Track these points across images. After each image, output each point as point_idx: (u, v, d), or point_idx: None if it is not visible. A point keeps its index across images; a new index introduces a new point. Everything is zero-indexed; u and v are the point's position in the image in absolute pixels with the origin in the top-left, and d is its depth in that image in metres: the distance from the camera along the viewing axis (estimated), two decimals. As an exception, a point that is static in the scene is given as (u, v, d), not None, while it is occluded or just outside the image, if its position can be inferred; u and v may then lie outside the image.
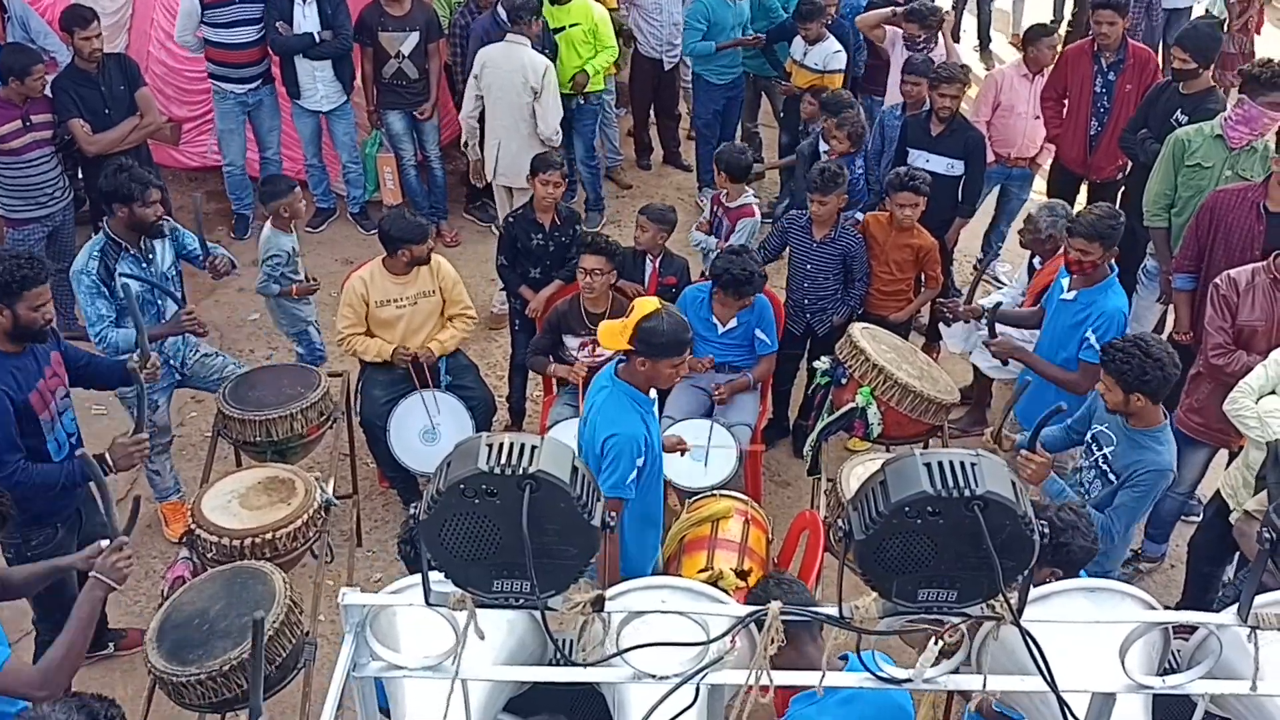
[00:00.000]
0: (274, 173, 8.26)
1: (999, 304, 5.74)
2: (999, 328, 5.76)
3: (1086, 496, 4.70)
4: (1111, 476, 4.54)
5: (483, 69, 7.40)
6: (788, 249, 6.38)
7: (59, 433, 4.57)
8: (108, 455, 4.48)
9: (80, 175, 7.26)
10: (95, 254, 5.29)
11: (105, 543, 3.68)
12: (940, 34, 7.70)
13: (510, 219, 6.57)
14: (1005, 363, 5.86)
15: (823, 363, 5.50)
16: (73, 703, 2.84)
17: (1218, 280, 5.14)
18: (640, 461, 4.25)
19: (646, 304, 4.26)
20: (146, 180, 5.33)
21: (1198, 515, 5.63)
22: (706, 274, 6.38)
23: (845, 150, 6.82)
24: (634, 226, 6.31)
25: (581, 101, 8.13)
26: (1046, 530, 2.11)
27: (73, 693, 2.99)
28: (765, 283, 5.81)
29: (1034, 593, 2.29)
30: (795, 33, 8.12)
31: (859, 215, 6.56)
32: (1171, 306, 6.25)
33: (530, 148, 7.27)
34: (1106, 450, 4.58)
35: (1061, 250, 5.63)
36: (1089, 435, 4.70)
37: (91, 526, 4.74)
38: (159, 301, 5.50)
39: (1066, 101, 7.27)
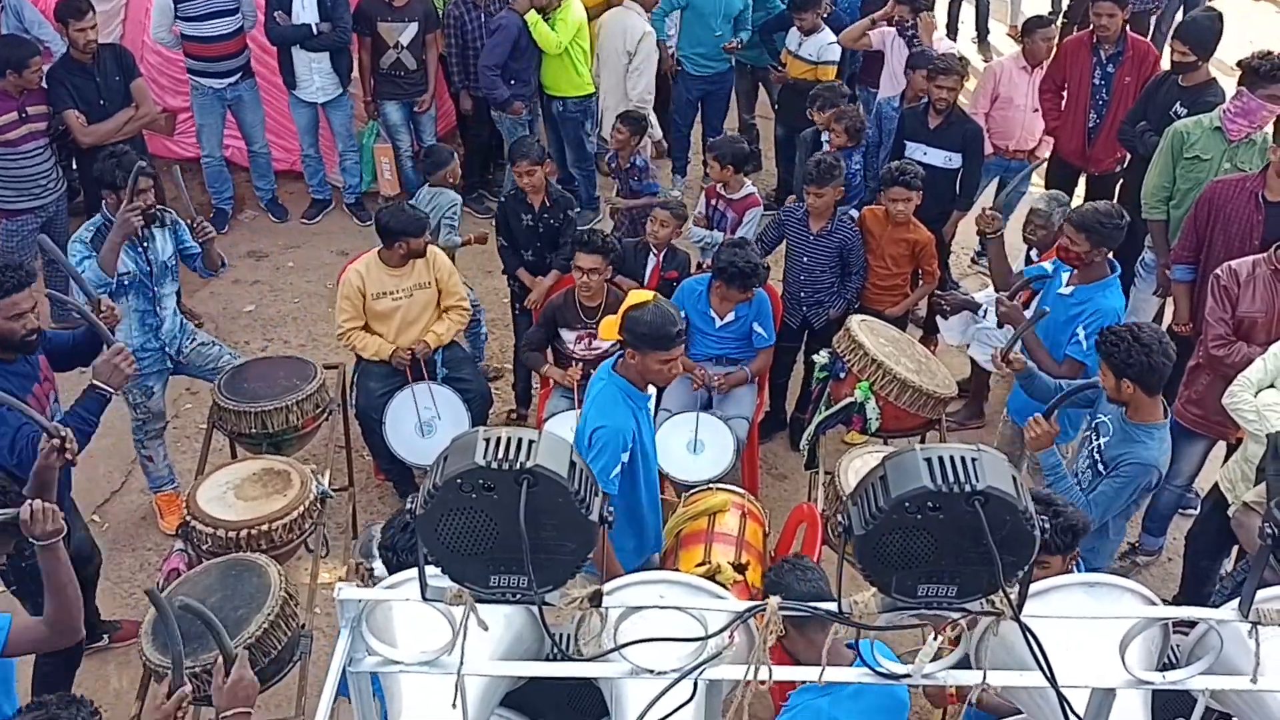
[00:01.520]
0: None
1: (1029, 277, 5.69)
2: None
3: (1082, 488, 4.69)
4: (1100, 467, 4.54)
5: (600, 29, 7.79)
6: (784, 242, 6.36)
7: None
8: (96, 379, 4.39)
9: (74, 166, 7.23)
10: (90, 228, 5.33)
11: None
12: (922, 29, 7.65)
13: (503, 198, 6.58)
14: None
15: (822, 357, 5.49)
16: (39, 715, 2.83)
17: (1218, 271, 5.13)
18: (626, 456, 4.23)
19: (639, 295, 4.26)
20: (135, 167, 5.28)
21: (1195, 508, 5.63)
22: (704, 266, 6.37)
23: (843, 144, 6.78)
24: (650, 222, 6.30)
25: (561, 108, 8.08)
26: (1047, 526, 2.10)
27: (37, 701, 2.97)
28: (769, 275, 5.80)
29: (1033, 588, 2.28)
30: (792, 23, 8.09)
31: (854, 213, 6.53)
32: (1170, 299, 6.23)
33: (627, 107, 7.60)
34: (1102, 440, 4.59)
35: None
36: (1092, 422, 4.70)
37: (78, 540, 4.69)
38: (154, 287, 5.48)
39: (1065, 94, 7.25)
